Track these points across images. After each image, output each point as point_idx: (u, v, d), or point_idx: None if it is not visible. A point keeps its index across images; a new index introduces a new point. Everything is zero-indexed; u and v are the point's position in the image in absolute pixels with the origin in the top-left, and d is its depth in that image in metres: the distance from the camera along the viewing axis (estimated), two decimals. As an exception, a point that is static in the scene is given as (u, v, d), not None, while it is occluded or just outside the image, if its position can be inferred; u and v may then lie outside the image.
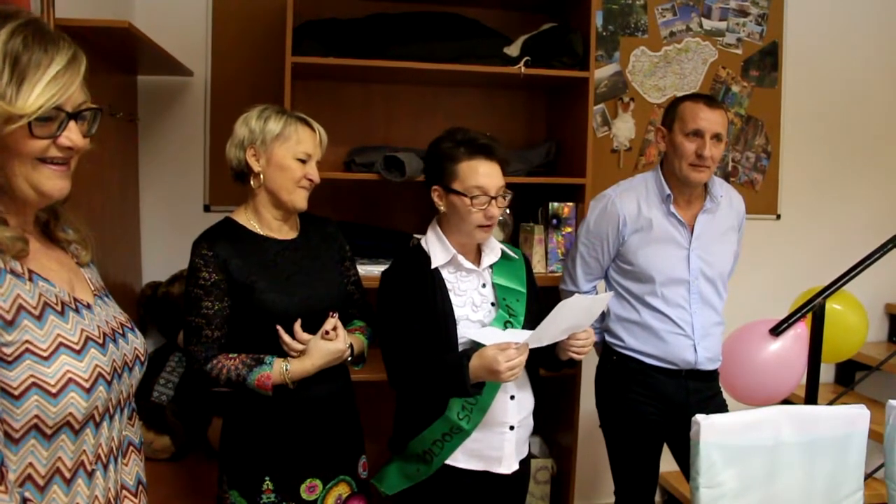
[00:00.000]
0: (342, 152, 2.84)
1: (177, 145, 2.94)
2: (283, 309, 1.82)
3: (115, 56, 2.48)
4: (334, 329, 1.82)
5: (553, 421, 2.95)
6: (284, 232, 1.92)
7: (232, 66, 2.91)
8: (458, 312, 1.87)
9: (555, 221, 2.82)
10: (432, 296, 1.85)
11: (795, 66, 3.41)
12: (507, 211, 2.80)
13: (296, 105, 2.87)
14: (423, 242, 1.95)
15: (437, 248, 1.91)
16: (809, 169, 3.47)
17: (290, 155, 1.84)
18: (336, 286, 1.96)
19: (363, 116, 2.98)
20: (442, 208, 1.90)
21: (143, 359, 1.24)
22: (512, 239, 2.92)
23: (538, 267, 2.82)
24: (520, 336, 1.79)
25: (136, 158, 2.87)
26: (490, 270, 1.95)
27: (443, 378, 1.80)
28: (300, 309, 1.83)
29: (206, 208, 2.96)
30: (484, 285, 1.93)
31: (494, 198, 1.85)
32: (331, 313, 1.84)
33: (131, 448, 1.24)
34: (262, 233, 1.88)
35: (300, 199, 1.87)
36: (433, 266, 1.88)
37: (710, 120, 2.17)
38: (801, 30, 3.40)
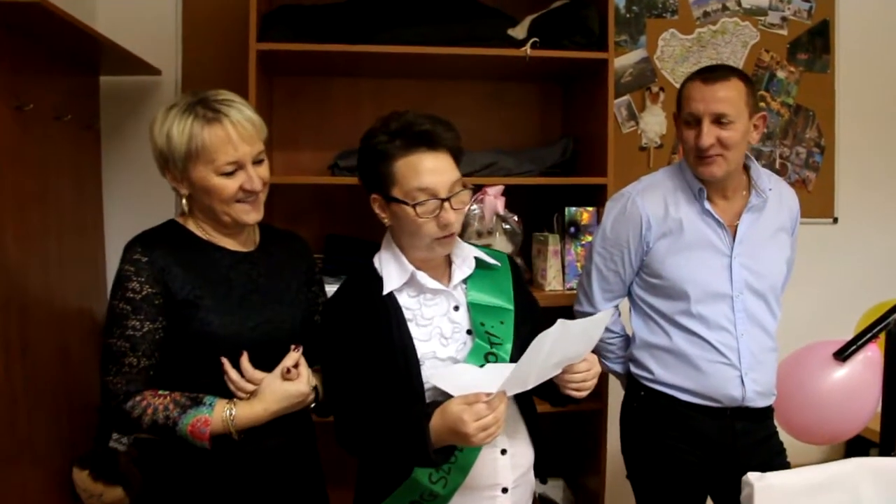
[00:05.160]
0: (329, 157, 2.55)
1: (144, 152, 2.57)
2: (232, 335, 1.49)
3: (69, 53, 2.23)
4: (296, 366, 1.48)
5: (577, 462, 2.62)
6: (239, 243, 1.60)
7: (204, 64, 2.67)
8: (422, 349, 1.48)
9: (572, 229, 2.50)
10: (387, 330, 1.48)
11: (850, 47, 3.09)
12: (517, 218, 2.46)
13: (275, 104, 2.61)
14: (375, 261, 1.58)
15: (391, 267, 1.53)
16: (870, 165, 3.14)
17: (211, 172, 1.48)
18: (300, 312, 1.63)
19: (351, 117, 2.69)
20: (387, 221, 1.53)
21: None
22: (523, 250, 2.57)
23: (553, 283, 2.47)
24: (498, 377, 1.36)
25: (98, 168, 2.63)
26: (464, 287, 1.57)
27: (398, 443, 1.41)
28: (254, 337, 1.51)
29: (179, 222, 2.68)
30: (457, 308, 1.55)
31: (448, 199, 1.46)
32: (293, 347, 1.51)
33: None
34: (212, 241, 1.56)
35: (244, 214, 1.53)
36: (386, 291, 1.50)
37: (705, 99, 1.81)
38: (855, 5, 3.08)
